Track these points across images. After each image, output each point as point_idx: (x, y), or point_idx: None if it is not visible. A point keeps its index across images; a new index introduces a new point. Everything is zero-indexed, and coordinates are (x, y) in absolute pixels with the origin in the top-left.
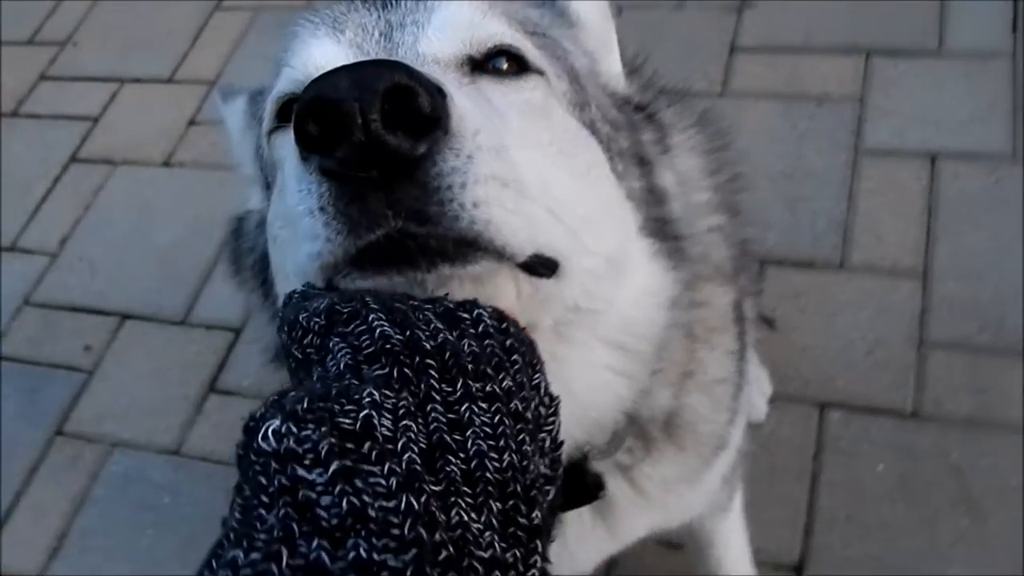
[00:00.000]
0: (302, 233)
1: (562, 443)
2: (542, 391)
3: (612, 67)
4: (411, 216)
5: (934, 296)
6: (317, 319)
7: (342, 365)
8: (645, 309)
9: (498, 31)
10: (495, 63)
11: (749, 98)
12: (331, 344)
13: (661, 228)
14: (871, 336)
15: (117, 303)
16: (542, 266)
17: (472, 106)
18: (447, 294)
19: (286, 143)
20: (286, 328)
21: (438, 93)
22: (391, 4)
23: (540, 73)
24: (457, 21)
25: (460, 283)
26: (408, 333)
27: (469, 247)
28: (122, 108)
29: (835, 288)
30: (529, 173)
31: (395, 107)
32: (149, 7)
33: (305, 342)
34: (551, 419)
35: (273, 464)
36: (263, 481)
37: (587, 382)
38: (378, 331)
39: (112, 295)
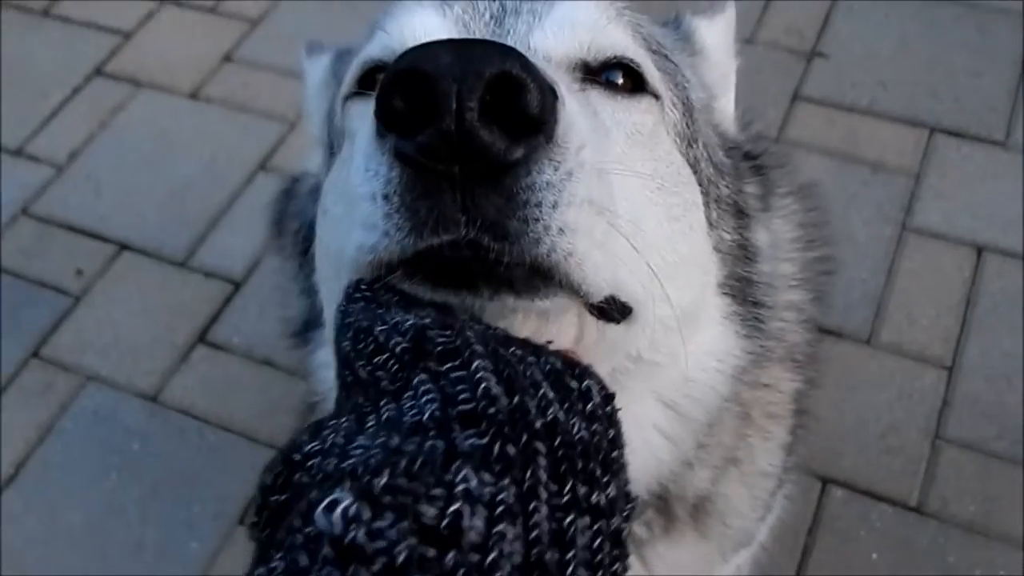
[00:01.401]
0: (359, 218)
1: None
2: (628, 493)
3: (727, 107)
4: (486, 227)
5: (957, 391)
6: (400, 339)
7: (426, 415)
8: (707, 372)
9: (621, 41)
10: (609, 75)
11: (803, 149)
12: (415, 380)
13: (742, 289)
14: (887, 419)
15: (117, 231)
16: (615, 310)
17: (582, 116)
18: (549, 342)
19: (362, 113)
20: (351, 335)
21: (550, 93)
22: None
23: (656, 97)
24: (579, 20)
25: (522, 318)
26: (517, 400)
27: (542, 278)
28: (157, 28)
29: (859, 363)
30: (624, 204)
31: (498, 98)
32: None
33: (377, 361)
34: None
35: (329, 551)
36: (304, 563)
37: (630, 437)
38: (482, 387)
39: (113, 221)
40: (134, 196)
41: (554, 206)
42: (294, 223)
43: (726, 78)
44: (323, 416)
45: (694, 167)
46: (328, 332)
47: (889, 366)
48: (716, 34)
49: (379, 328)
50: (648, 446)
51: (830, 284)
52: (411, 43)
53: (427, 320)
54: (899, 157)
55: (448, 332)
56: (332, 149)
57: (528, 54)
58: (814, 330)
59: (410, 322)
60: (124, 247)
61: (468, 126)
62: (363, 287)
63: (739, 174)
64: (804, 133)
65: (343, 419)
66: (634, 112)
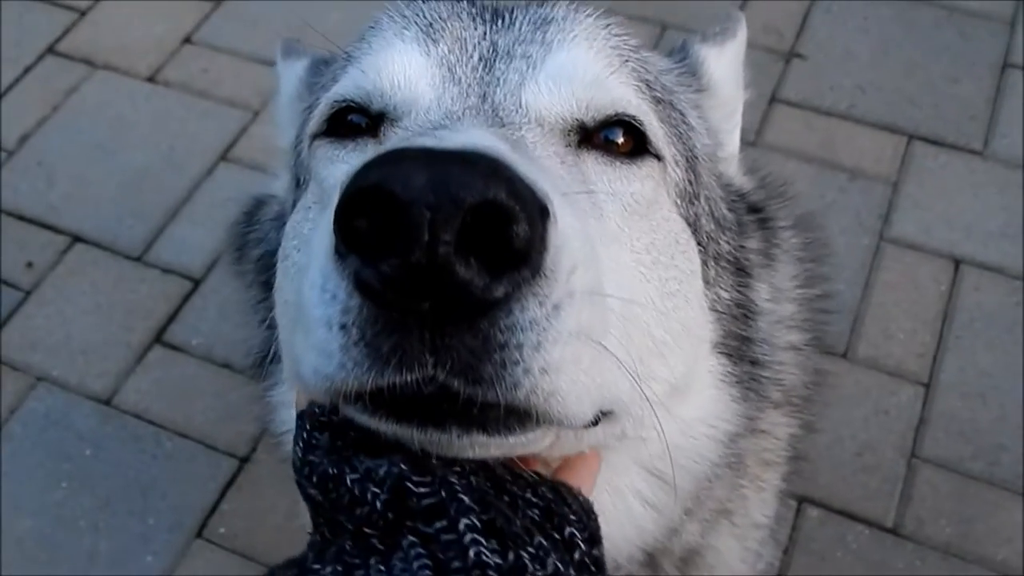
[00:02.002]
0: (314, 342)
1: None
2: None
3: (732, 145)
4: (457, 371)
5: (934, 409)
6: (377, 491)
7: None
8: (697, 440)
9: (623, 96)
10: (608, 133)
11: (781, 153)
12: (405, 543)
13: (739, 348)
14: (863, 437)
15: (70, 222)
16: (595, 419)
17: (573, 229)
18: (541, 478)
19: (327, 160)
20: (318, 481)
21: (540, 219)
22: (503, 21)
23: (658, 158)
24: (578, 73)
25: (494, 450)
26: (512, 557)
27: (518, 417)
28: (114, 6)
29: (835, 378)
30: (614, 288)
31: (478, 223)
32: None
33: (360, 514)
34: None
35: None
36: None
37: (610, 508)
38: (472, 552)
39: (66, 212)
40: (88, 185)
41: (536, 347)
42: (256, 250)
43: (734, 114)
44: (304, 557)
45: (694, 225)
46: (284, 372)
47: (865, 382)
48: (725, 64)
49: (351, 476)
50: (630, 516)
51: (829, 325)
52: (388, 87)
53: (402, 468)
54: (877, 164)
55: (428, 481)
56: (298, 181)
57: (516, 116)
58: (811, 372)
59: (384, 469)
60: (77, 239)
61: (442, 261)
62: (322, 418)
63: (742, 229)
64: (781, 137)
65: (328, 569)
66: (633, 181)
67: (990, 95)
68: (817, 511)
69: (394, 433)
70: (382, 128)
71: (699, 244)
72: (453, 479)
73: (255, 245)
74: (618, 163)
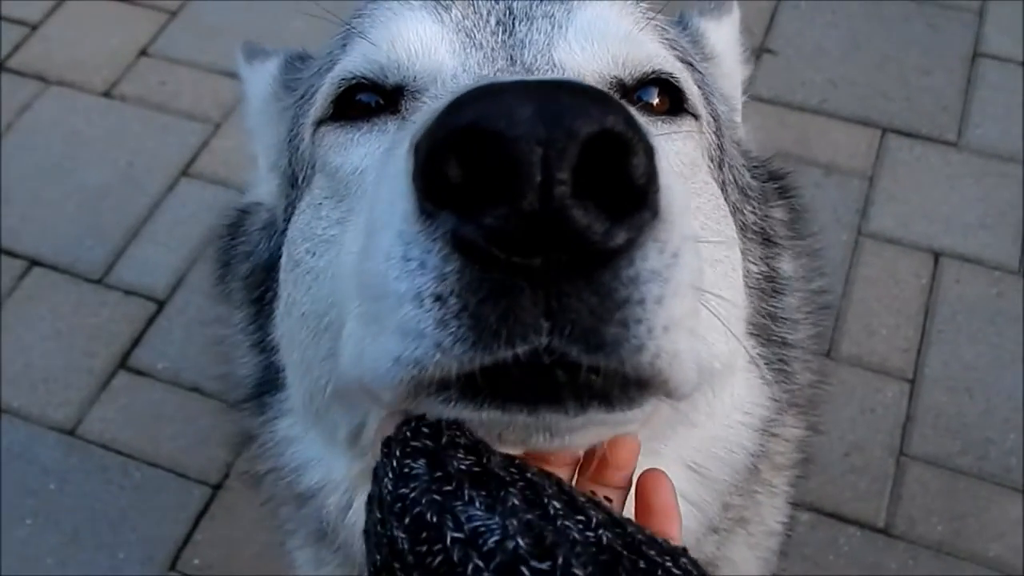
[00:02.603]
0: (394, 322)
1: None
2: None
3: (738, 120)
4: (576, 336)
5: (920, 405)
6: (482, 566)
7: None
8: (733, 428)
9: (657, 52)
10: (643, 93)
11: (755, 150)
12: None
13: (767, 327)
14: (850, 437)
15: (27, 245)
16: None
17: (671, 170)
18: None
19: (342, 145)
20: (410, 523)
21: (654, 153)
22: None
23: (695, 117)
24: (609, 29)
25: (607, 430)
26: None
27: (639, 386)
28: (67, 19)
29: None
30: None
31: (589, 161)
32: None
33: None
34: None
35: None
36: None
37: None
38: None
39: (23, 234)
40: (44, 206)
41: (659, 301)
42: (243, 266)
43: (737, 89)
44: None
45: (723, 192)
46: (296, 401)
47: (850, 380)
48: (724, 38)
49: (453, 534)
50: None
51: (829, 319)
52: (404, 57)
53: (519, 543)
54: (851, 159)
55: (549, 570)
56: (295, 180)
57: (554, 72)
58: (816, 371)
59: (495, 538)
60: (34, 263)
61: (558, 204)
62: (415, 443)
63: (766, 197)
64: (755, 134)
65: None
66: (676, 140)
67: (962, 85)
68: (808, 515)
69: (494, 422)
70: (403, 103)
71: (730, 214)
72: (575, 564)
73: (242, 260)
74: (660, 122)
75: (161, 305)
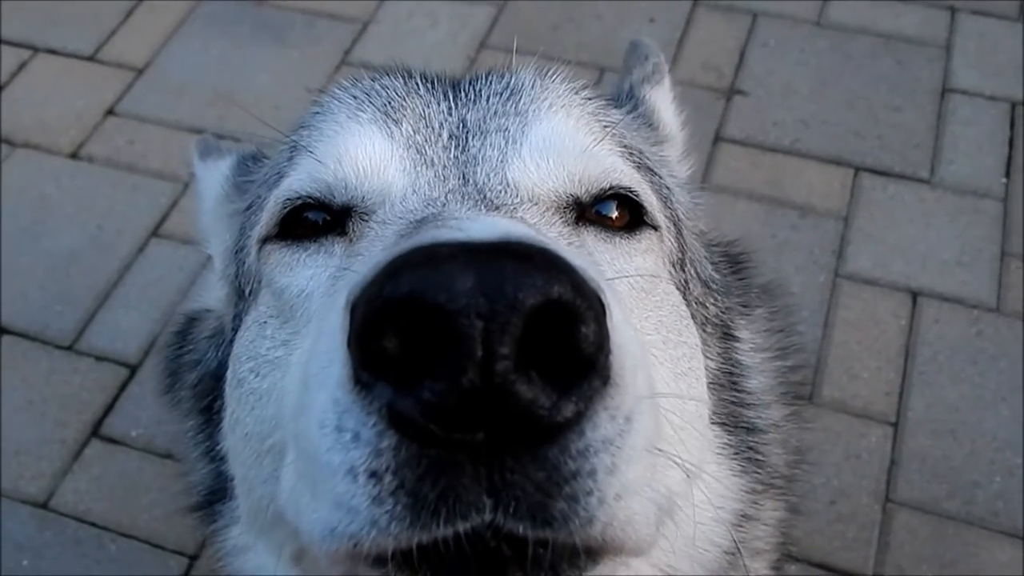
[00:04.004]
0: (327, 494)
1: None
2: None
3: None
4: (522, 513)
5: (905, 449)
6: None
7: None
8: (705, 525)
9: (616, 167)
10: (601, 208)
11: (729, 194)
12: None
13: (732, 415)
14: (835, 484)
15: None
16: None
17: (623, 323)
18: None
19: (286, 266)
20: None
21: (603, 314)
22: (465, 94)
23: (655, 229)
24: (565, 145)
25: None
26: None
27: (590, 554)
28: (31, 80)
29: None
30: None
31: (535, 331)
32: None
33: None
34: None
35: None
36: None
37: None
38: None
39: None
40: (12, 272)
41: (611, 470)
42: (192, 374)
43: (685, 155)
44: None
45: (683, 292)
46: (242, 513)
47: (833, 426)
48: (666, 103)
49: None
50: None
51: (806, 402)
52: (351, 175)
53: None
54: (826, 199)
55: None
56: (242, 292)
57: (507, 195)
58: (792, 449)
59: None
60: (3, 331)
61: (500, 380)
62: None
63: (727, 288)
64: (729, 176)
65: None
66: (635, 256)
67: (932, 121)
68: (796, 566)
69: None
70: (350, 224)
71: (692, 314)
72: None
73: (191, 368)
74: (618, 239)
75: (133, 370)
